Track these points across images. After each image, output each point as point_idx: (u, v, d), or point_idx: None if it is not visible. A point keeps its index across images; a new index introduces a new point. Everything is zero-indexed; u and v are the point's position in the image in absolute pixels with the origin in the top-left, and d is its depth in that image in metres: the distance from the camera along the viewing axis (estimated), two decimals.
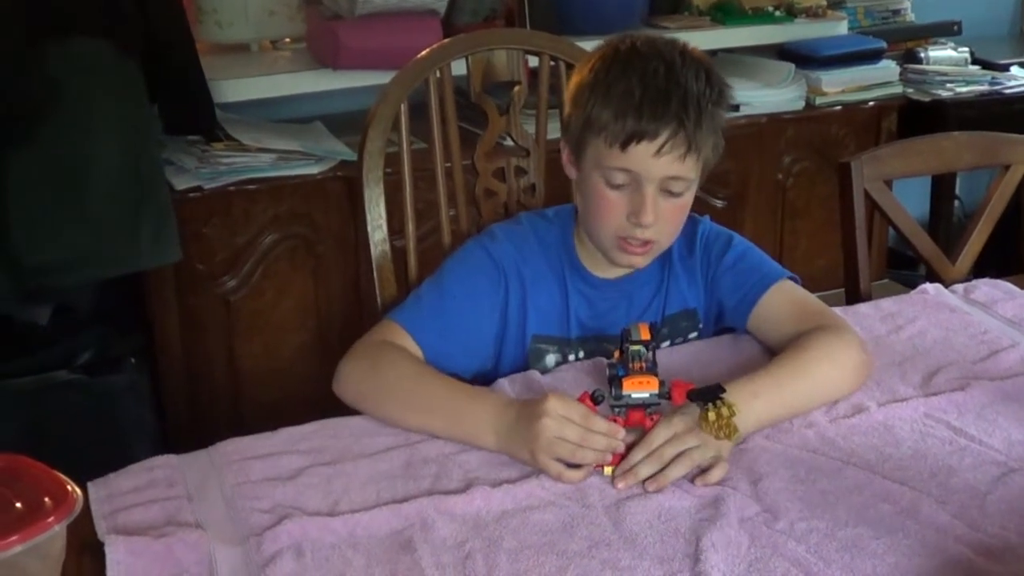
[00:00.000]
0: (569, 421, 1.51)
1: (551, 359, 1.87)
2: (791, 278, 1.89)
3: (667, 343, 1.91)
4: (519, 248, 1.86)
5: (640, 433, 1.57)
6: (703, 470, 1.52)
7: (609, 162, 1.72)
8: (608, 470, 1.53)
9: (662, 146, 1.68)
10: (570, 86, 1.81)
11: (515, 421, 1.57)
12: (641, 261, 1.82)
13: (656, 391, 1.54)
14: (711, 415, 1.55)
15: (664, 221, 1.75)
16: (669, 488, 1.49)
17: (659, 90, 1.68)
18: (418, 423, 1.64)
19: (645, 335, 1.56)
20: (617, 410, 1.55)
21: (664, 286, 1.91)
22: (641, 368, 1.55)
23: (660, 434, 1.54)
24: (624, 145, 1.69)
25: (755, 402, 1.62)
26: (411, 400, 1.67)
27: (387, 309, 1.97)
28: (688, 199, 1.78)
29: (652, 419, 1.56)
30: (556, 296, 1.88)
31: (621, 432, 1.53)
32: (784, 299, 1.85)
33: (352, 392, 1.71)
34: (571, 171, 1.84)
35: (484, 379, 1.79)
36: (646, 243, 1.77)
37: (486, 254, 1.85)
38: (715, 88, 1.73)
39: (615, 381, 1.55)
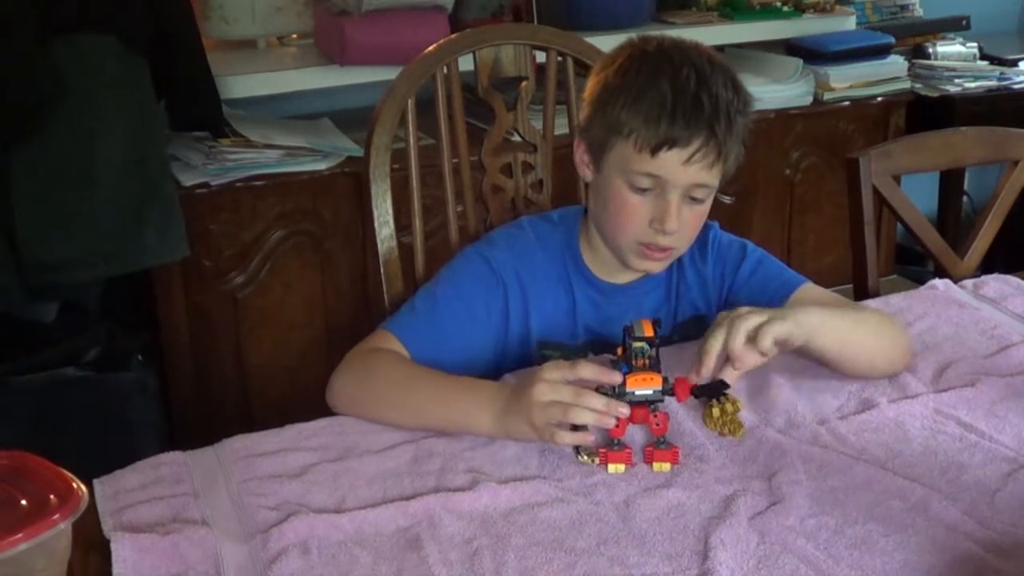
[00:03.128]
0: (563, 383, 1.51)
1: None
2: None
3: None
4: (519, 254, 1.84)
5: (644, 430, 1.57)
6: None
7: (636, 167, 1.69)
8: (612, 467, 1.52)
9: (693, 154, 1.66)
10: (592, 86, 1.78)
11: (510, 398, 1.56)
12: (658, 267, 1.81)
13: (659, 388, 1.54)
14: (715, 411, 1.56)
15: (684, 227, 1.74)
16: (678, 484, 1.49)
17: (692, 96, 1.66)
18: (413, 420, 1.64)
19: (648, 332, 1.55)
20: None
21: (674, 293, 1.89)
22: (644, 365, 1.54)
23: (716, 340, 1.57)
24: (655, 151, 1.67)
25: (820, 312, 1.67)
26: (403, 399, 1.65)
27: (394, 305, 1.97)
28: (707, 206, 1.77)
29: (656, 416, 1.55)
30: (563, 301, 1.86)
31: (617, 376, 1.52)
32: (812, 300, 1.83)
33: (346, 402, 1.70)
34: (587, 173, 1.81)
35: (494, 376, 1.77)
36: (665, 249, 1.76)
37: (483, 261, 1.83)
38: (742, 96, 1.72)
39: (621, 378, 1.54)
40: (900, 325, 1.82)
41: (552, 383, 1.51)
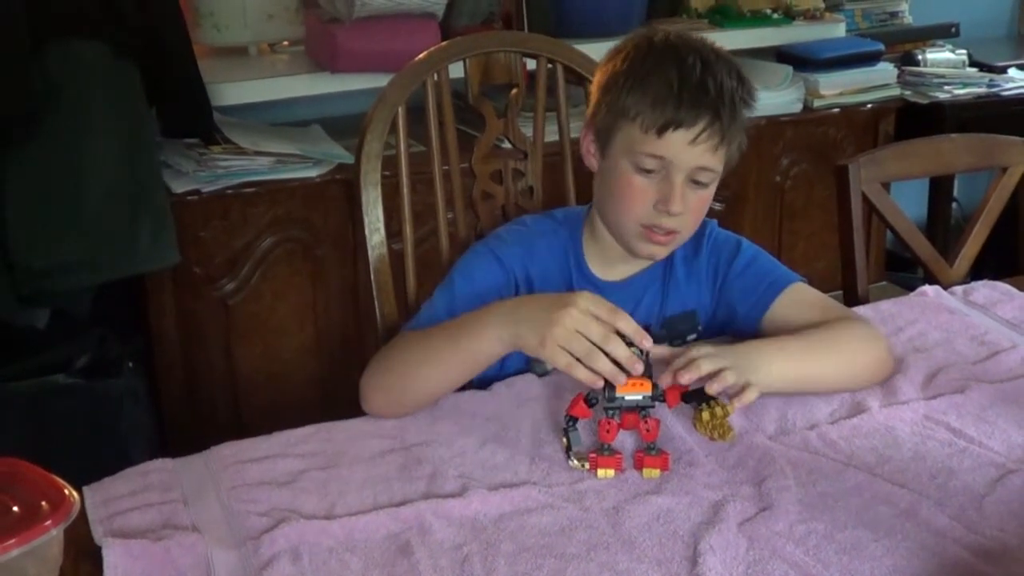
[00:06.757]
0: (595, 319, 1.53)
1: None
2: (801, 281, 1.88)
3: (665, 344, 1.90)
4: (527, 249, 1.86)
5: (635, 436, 1.57)
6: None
7: (642, 148, 1.72)
8: (602, 473, 1.52)
9: (698, 135, 1.70)
10: (599, 76, 1.82)
11: (523, 304, 1.61)
12: (662, 252, 1.82)
13: (650, 393, 1.54)
14: (705, 415, 1.57)
15: (688, 212, 1.76)
16: (667, 490, 1.49)
17: (697, 81, 1.70)
18: (436, 373, 1.67)
19: None
20: (611, 412, 1.55)
21: (667, 288, 1.90)
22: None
23: (699, 351, 1.60)
24: (661, 131, 1.70)
25: (779, 356, 1.67)
26: (423, 359, 1.67)
27: (385, 313, 1.98)
28: (711, 193, 1.79)
29: (647, 422, 1.55)
30: None
31: (648, 342, 1.53)
32: (800, 301, 1.84)
33: (379, 397, 1.70)
34: (592, 162, 1.84)
35: (485, 383, 1.78)
36: (669, 233, 1.77)
37: (494, 257, 1.85)
38: (746, 86, 1.76)
39: (609, 383, 1.55)
40: (874, 334, 1.80)
41: (587, 315, 1.53)
